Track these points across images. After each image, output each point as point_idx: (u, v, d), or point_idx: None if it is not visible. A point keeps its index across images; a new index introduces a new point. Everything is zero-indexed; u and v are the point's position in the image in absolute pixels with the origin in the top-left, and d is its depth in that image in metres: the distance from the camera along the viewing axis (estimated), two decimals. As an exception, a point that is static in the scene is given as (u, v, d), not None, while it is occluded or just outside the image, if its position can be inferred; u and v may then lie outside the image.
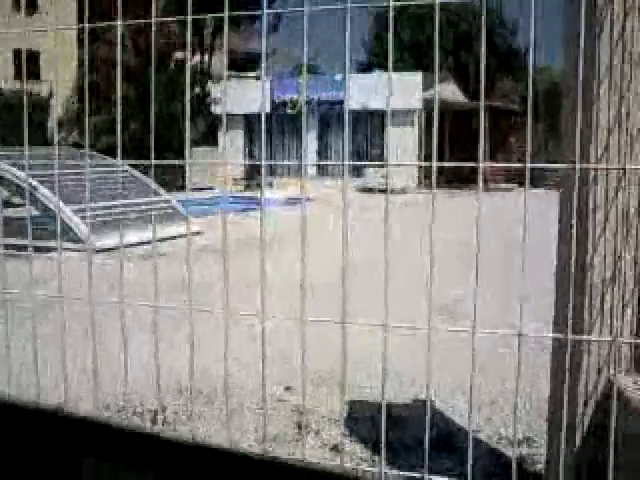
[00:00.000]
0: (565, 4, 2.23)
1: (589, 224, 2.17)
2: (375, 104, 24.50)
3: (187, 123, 2.12)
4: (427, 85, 25.39)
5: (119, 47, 2.38)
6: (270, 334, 2.24)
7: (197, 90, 28.93)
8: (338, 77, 26.04)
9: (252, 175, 25.27)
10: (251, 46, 31.03)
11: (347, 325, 1.71)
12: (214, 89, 29.31)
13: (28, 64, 23.18)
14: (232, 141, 28.10)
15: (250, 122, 27.65)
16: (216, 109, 28.41)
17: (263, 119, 1.99)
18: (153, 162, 2.17)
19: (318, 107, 26.80)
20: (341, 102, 25.63)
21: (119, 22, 2.06)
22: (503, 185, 22.68)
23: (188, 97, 2.13)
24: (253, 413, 3.99)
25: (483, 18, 1.44)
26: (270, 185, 23.19)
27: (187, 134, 2.18)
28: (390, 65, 1.83)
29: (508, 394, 4.14)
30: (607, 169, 2.05)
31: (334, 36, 1.78)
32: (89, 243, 10.18)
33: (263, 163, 2.20)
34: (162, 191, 13.04)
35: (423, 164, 7.20)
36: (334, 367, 3.83)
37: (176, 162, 2.36)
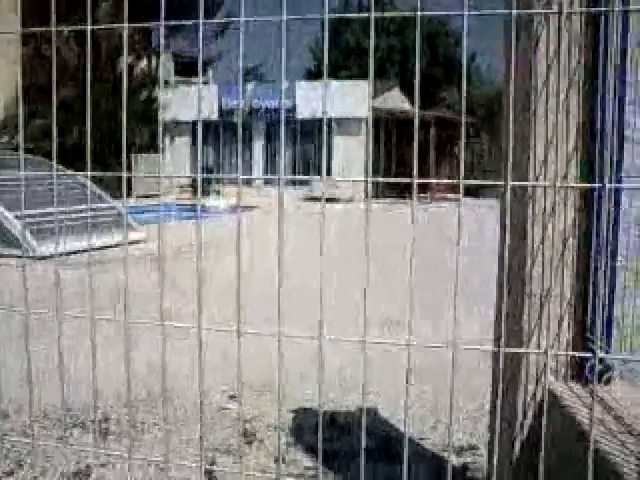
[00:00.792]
0: (503, 21, 2.28)
1: (528, 237, 2.22)
2: (322, 113, 24.57)
3: (123, 134, 2.11)
4: (374, 93, 25.56)
5: (53, 52, 2.35)
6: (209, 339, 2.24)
7: (144, 95, 28.61)
8: (285, 85, 26.06)
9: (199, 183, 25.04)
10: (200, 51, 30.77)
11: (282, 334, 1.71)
12: (161, 94, 29.06)
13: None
14: (179, 148, 27.88)
15: (197, 129, 27.47)
16: (163, 115, 28.16)
17: (199, 131, 2.00)
18: (89, 174, 2.16)
19: (265, 115, 26.79)
20: (288, 110, 25.66)
21: (53, 28, 2.04)
22: (450, 195, 22.95)
23: (125, 109, 2.12)
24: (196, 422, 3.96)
25: (417, 31, 1.47)
26: (217, 193, 23.06)
27: (123, 144, 2.16)
28: (325, 74, 1.85)
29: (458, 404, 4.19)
30: (535, 186, 2.10)
31: (281, 44, 1.79)
32: (30, 250, 9.99)
33: (199, 176, 2.21)
34: (108, 198, 12.87)
35: (359, 180, 7.15)
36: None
37: (113, 174, 2.34)
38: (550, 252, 2.19)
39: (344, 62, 34.62)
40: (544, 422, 1.71)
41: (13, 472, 3.26)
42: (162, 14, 1.88)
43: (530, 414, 2.29)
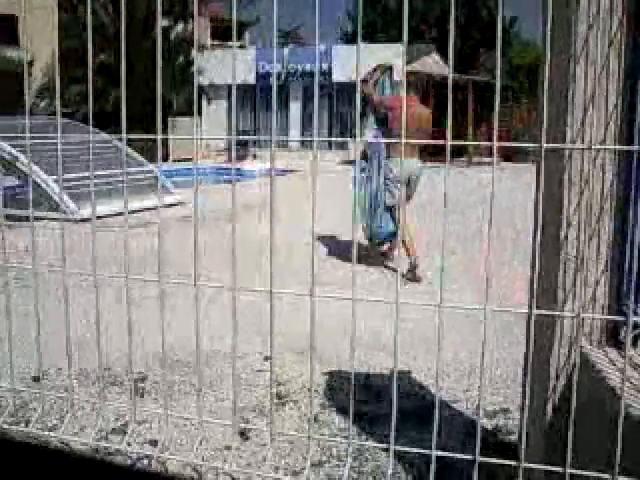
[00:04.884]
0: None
1: (564, 201, 2.20)
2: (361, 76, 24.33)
3: (158, 98, 2.13)
4: (411, 57, 25.24)
5: (89, 16, 2.37)
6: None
7: (181, 59, 28.59)
8: (322, 48, 25.86)
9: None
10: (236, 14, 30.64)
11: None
12: (197, 58, 29.02)
13: (6, 30, 22.83)
14: (216, 111, 27.88)
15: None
16: (200, 79, 28.17)
17: (233, 95, 2.00)
18: (124, 136, 2.19)
19: (302, 78, 26.64)
20: (324, 73, 25.47)
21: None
22: (487, 159, 22.70)
23: (159, 73, 2.13)
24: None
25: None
26: (254, 157, 23.09)
27: (158, 107, 2.18)
28: (359, 36, 1.84)
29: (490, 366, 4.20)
30: (572, 149, 2.08)
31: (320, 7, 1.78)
32: (69, 213, 10.13)
33: (233, 138, 2.23)
34: (144, 161, 12.96)
35: (393, 141, 6.96)
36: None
37: (148, 137, 2.37)
38: (586, 216, 2.17)
39: (382, 25, 34.21)
40: (574, 385, 1.71)
41: (55, 427, 3.35)
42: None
43: (563, 377, 2.29)
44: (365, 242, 7.81)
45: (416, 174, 7.45)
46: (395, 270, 6.25)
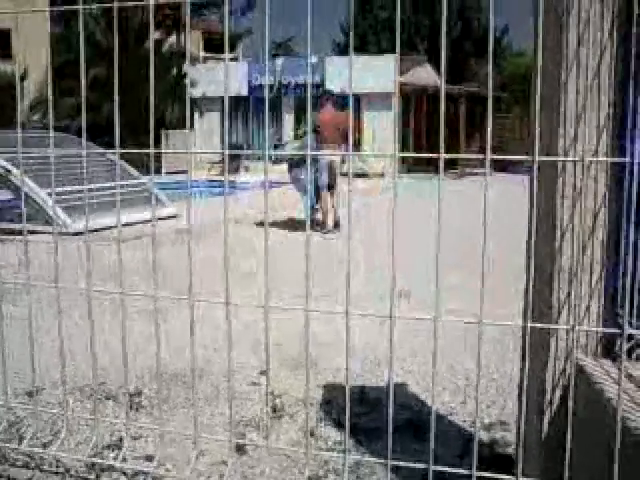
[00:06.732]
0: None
1: (557, 212, 2.20)
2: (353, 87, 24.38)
3: (151, 110, 2.13)
4: (404, 68, 25.33)
5: (81, 30, 2.37)
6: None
7: (173, 71, 28.63)
8: (314, 60, 25.93)
9: (228, 159, 25.10)
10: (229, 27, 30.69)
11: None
12: (190, 70, 29.09)
13: (0, 44, 22.82)
14: (209, 124, 27.91)
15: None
16: (192, 91, 28.21)
17: (225, 107, 2.00)
18: (118, 151, 2.19)
19: (294, 90, 26.69)
20: (317, 86, 25.53)
21: (81, 7, 2.07)
22: (479, 170, 22.76)
23: (152, 83, 2.13)
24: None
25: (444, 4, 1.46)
26: (246, 169, 23.10)
27: (151, 121, 2.19)
28: (351, 48, 1.85)
29: (485, 379, 4.20)
30: (564, 161, 2.08)
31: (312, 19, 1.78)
32: (62, 227, 10.11)
33: (226, 152, 2.24)
34: (138, 174, 12.95)
35: (385, 155, 7.21)
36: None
37: (141, 151, 2.37)
38: (580, 227, 2.17)
39: (374, 37, 34.36)
40: (571, 397, 1.71)
41: (50, 443, 3.33)
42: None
43: (559, 390, 2.29)
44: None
45: (336, 163, 10.94)
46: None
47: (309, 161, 2.49)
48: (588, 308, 2.23)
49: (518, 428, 2.26)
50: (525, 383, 2.24)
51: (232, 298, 2.28)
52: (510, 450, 3.28)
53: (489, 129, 1.89)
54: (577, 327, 2.09)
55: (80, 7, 2.19)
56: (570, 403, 1.93)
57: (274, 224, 10.78)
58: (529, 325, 1.92)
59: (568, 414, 1.93)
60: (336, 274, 4.70)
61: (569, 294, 2.21)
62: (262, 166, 2.28)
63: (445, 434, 3.49)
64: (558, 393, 2.30)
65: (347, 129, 9.89)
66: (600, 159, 2.13)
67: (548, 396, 2.31)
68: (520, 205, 2.87)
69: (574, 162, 2.15)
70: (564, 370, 2.28)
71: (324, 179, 10.82)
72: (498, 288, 4.73)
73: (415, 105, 26.78)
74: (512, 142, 26.62)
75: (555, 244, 2.23)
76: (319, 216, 11.03)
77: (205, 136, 27.55)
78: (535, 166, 1.87)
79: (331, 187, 10.99)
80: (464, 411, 3.85)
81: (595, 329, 2.20)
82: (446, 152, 2.00)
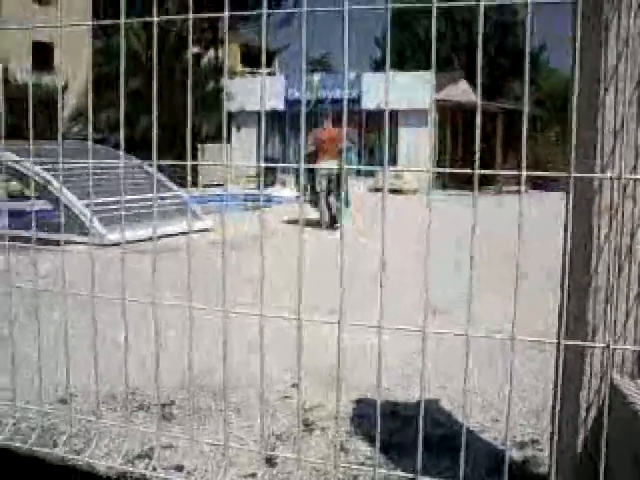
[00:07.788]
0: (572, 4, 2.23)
1: (593, 230, 2.18)
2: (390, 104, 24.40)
3: (188, 124, 2.16)
4: (440, 85, 25.29)
5: (122, 44, 2.40)
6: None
7: (211, 85, 28.89)
8: (352, 75, 26.02)
9: (264, 173, 25.30)
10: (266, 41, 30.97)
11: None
12: (228, 84, 29.35)
13: (41, 56, 23.25)
14: (246, 138, 28.10)
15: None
16: (230, 105, 28.42)
17: (262, 121, 2.03)
18: (155, 162, 2.21)
19: (331, 105, 26.80)
20: (354, 100, 25.60)
21: (122, 20, 2.10)
22: (515, 187, 22.62)
23: (190, 99, 2.16)
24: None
25: (480, 19, 1.47)
26: (283, 184, 23.20)
27: (188, 134, 2.21)
28: (387, 64, 1.86)
29: (518, 398, 4.15)
30: (601, 178, 2.06)
31: (349, 35, 1.79)
32: (99, 238, 10.23)
33: (262, 165, 2.25)
34: (174, 187, 13.07)
35: (420, 170, 7.23)
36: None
37: (177, 162, 2.40)
38: (616, 246, 2.15)
39: (411, 53, 34.38)
40: (605, 418, 1.69)
41: (83, 450, 3.36)
42: (227, 3, 1.91)
43: (593, 409, 2.26)
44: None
45: (335, 171, 12.88)
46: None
47: (302, 169, 2.51)
48: (624, 327, 2.20)
49: (551, 447, 2.23)
50: (559, 402, 2.22)
51: (265, 310, 2.29)
52: (542, 470, 3.24)
53: (524, 145, 1.88)
54: (612, 346, 2.06)
55: (122, 20, 2.22)
56: (605, 422, 1.90)
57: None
58: (563, 342, 1.89)
59: (602, 434, 1.90)
60: (369, 286, 4.69)
61: (605, 312, 2.18)
62: (298, 180, 2.29)
63: (476, 451, 3.46)
64: (593, 413, 2.27)
65: (341, 143, 12.03)
66: (638, 177, 2.11)
67: (582, 415, 2.27)
68: (556, 223, 2.84)
69: (611, 179, 2.13)
70: (599, 390, 2.25)
71: (323, 186, 13.33)
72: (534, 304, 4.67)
73: (451, 121, 26.72)
74: (551, 159, 26.40)
75: (591, 262, 2.20)
76: (319, 216, 13.35)
77: (243, 150, 27.73)
78: (572, 182, 1.85)
79: (330, 192, 13.38)
80: (496, 428, 3.82)
81: (631, 347, 2.17)
82: (481, 169, 2.00)
